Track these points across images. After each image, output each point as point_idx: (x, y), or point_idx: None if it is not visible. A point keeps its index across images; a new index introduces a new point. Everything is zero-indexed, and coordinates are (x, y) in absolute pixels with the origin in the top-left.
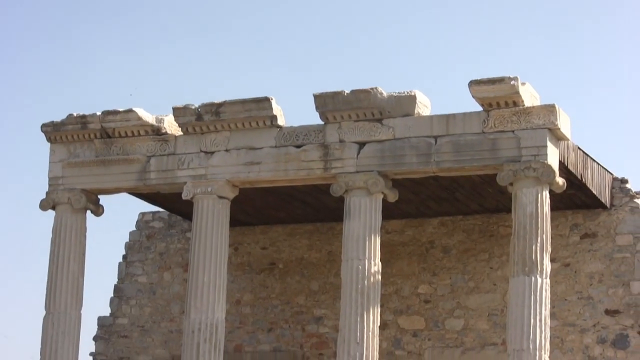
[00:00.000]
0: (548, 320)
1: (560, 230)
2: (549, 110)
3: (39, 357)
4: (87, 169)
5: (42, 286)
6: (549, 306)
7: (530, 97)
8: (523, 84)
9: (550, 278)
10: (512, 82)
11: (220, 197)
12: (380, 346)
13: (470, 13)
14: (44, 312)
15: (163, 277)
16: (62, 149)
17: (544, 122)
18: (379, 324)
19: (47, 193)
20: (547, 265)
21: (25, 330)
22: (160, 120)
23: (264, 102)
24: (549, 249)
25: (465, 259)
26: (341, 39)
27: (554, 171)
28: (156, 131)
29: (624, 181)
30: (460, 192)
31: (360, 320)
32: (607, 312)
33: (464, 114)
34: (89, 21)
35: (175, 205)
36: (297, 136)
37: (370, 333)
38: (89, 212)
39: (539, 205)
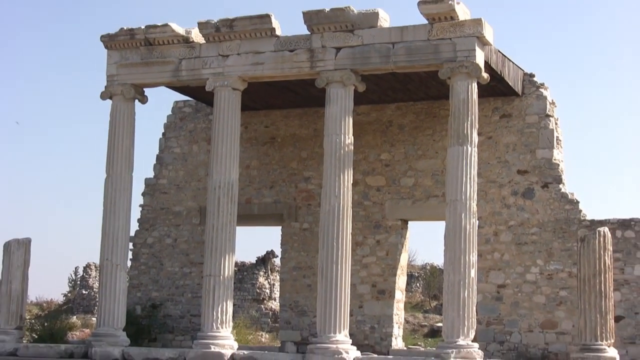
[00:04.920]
0: (475, 178)
1: (485, 112)
2: (477, 23)
3: (102, 208)
4: (135, 68)
5: (104, 156)
6: (476, 168)
7: (463, 13)
8: (458, 3)
9: (477, 147)
10: (450, 2)
11: (234, 89)
12: (352, 198)
13: None
14: (104, 175)
15: (192, 148)
16: (116, 54)
17: (473, 31)
18: (351, 182)
19: (105, 87)
20: (475, 138)
21: (91, 189)
22: (188, 32)
23: (265, 18)
24: (477, 125)
25: (415, 134)
26: None
27: (480, 68)
28: (185, 40)
29: (532, 75)
30: (411, 84)
31: (338, 179)
32: (519, 172)
33: (414, 26)
34: None
35: (200, 95)
36: (290, 43)
37: (345, 188)
38: (137, 101)
39: (469, 93)
